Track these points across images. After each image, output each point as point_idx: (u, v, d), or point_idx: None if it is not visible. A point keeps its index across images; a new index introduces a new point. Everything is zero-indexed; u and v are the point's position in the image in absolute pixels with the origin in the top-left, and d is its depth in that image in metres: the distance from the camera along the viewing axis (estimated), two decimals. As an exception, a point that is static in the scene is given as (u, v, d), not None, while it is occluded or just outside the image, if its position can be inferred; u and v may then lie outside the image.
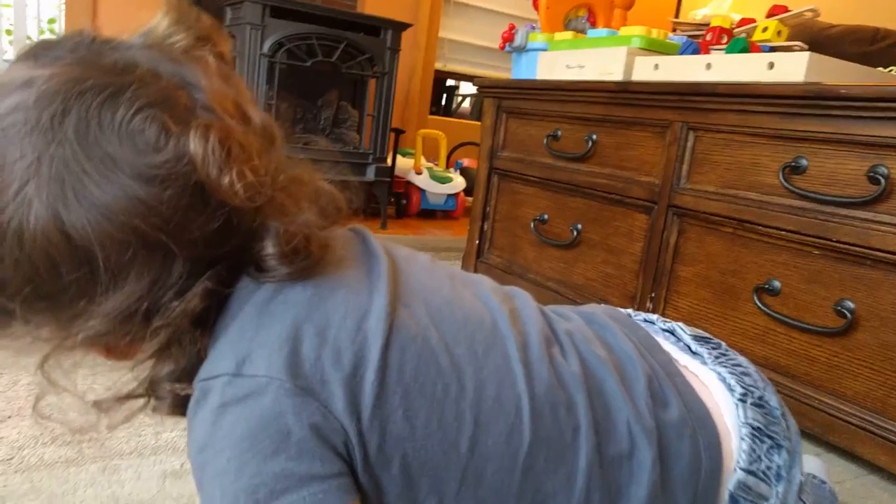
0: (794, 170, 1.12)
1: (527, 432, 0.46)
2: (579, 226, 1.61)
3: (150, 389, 0.47)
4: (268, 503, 0.38)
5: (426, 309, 0.47)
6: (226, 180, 0.39)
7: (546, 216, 1.72)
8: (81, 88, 0.39)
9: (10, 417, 0.93)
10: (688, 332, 0.63)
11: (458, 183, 3.27)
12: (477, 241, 1.98)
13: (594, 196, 1.57)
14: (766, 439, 0.54)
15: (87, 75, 0.40)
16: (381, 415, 0.42)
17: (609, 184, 1.51)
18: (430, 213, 3.31)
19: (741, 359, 0.61)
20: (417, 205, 3.20)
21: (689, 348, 0.63)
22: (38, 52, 0.42)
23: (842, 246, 1.05)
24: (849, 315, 1.04)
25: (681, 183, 1.33)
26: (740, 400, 0.55)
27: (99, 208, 0.38)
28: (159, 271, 0.41)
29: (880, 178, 1.00)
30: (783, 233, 1.13)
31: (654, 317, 0.66)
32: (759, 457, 0.53)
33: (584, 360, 0.53)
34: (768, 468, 0.53)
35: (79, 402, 0.48)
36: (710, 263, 1.28)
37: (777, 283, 1.15)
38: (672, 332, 0.64)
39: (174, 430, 0.96)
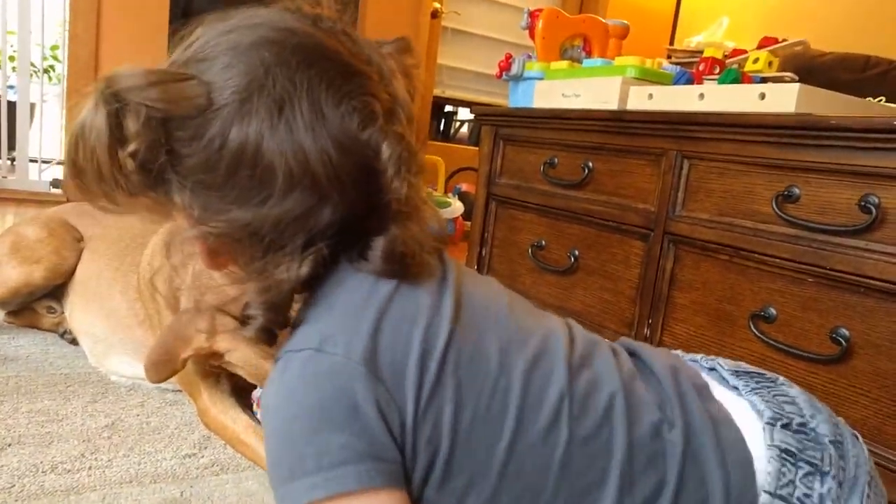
0: (787, 198, 1.14)
1: (564, 430, 0.48)
2: (577, 252, 1.62)
3: (244, 311, 0.51)
4: (329, 469, 0.43)
5: (485, 315, 0.52)
6: (396, 181, 0.48)
7: (544, 242, 1.74)
8: (330, 56, 0.47)
9: (10, 445, 0.93)
10: (727, 367, 0.62)
11: (457, 208, 3.29)
12: (475, 267, 1.99)
13: (591, 223, 1.58)
14: (801, 464, 0.51)
15: (337, 49, 0.48)
16: (436, 405, 0.46)
17: (605, 211, 1.53)
18: (428, 238, 3.32)
19: (794, 390, 0.59)
20: (416, 229, 3.22)
21: (727, 381, 0.61)
22: (304, 12, 0.49)
23: (836, 274, 1.06)
24: (844, 343, 1.05)
25: (676, 210, 1.35)
26: (769, 423, 0.54)
27: (295, 144, 0.45)
28: (302, 214, 0.46)
29: (871, 207, 1.02)
30: (778, 260, 1.14)
31: (698, 356, 0.66)
32: (792, 482, 0.51)
33: (619, 359, 0.56)
34: (806, 495, 0.50)
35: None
36: (706, 290, 1.29)
37: (773, 311, 1.16)
38: (713, 369, 0.64)
39: (174, 458, 0.96)
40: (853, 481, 0.52)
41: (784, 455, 0.52)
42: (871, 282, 1.02)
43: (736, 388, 0.60)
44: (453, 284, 0.52)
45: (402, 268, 0.49)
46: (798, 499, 0.51)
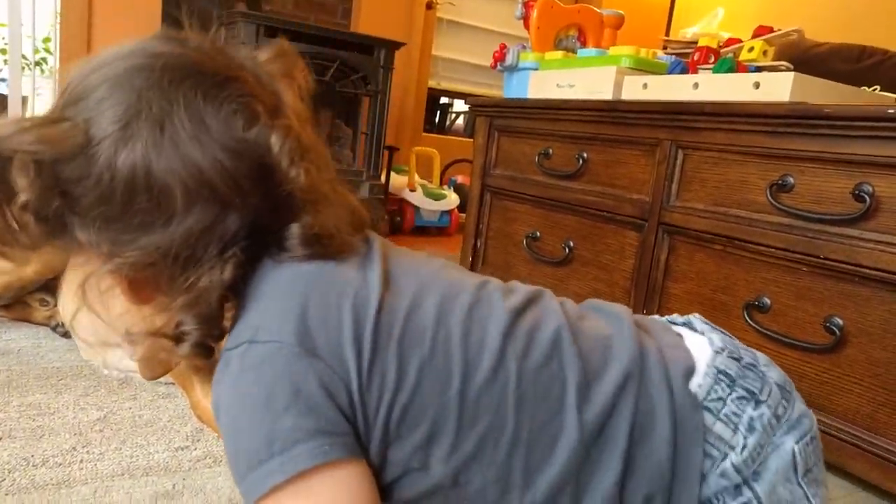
0: (781, 188, 1.13)
1: (512, 366, 0.50)
2: (571, 243, 1.62)
3: (177, 329, 0.50)
4: (282, 453, 0.44)
5: (415, 279, 0.53)
6: (293, 171, 0.48)
7: (538, 233, 1.73)
8: (201, 69, 0.48)
9: (0, 439, 0.93)
10: (700, 319, 0.65)
11: (452, 200, 3.29)
12: (470, 258, 1.99)
13: (585, 213, 1.58)
14: (738, 389, 0.54)
15: (207, 62, 0.49)
16: (379, 370, 0.47)
17: (600, 201, 1.52)
18: (423, 230, 3.32)
19: (758, 354, 0.60)
20: (411, 222, 3.21)
21: (695, 328, 0.64)
22: (169, 37, 0.51)
23: (830, 263, 1.06)
24: (837, 331, 1.05)
25: (670, 200, 1.34)
26: (716, 352, 0.56)
27: (184, 158, 0.46)
28: (210, 225, 0.47)
29: (865, 195, 1.01)
30: (772, 250, 1.14)
31: (674, 315, 0.68)
32: (722, 399, 0.53)
33: (564, 305, 0.59)
34: (735, 414, 0.52)
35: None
36: (700, 280, 1.29)
37: (767, 300, 1.16)
38: (686, 323, 0.66)
39: (166, 451, 0.95)
40: (795, 423, 0.54)
41: (720, 375, 0.54)
42: (865, 270, 1.02)
43: (702, 332, 0.62)
44: (379, 257, 0.53)
45: (322, 248, 0.50)
46: (725, 415, 0.53)
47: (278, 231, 0.50)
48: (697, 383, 0.54)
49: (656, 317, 0.68)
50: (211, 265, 0.47)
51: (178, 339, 0.50)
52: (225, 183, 0.46)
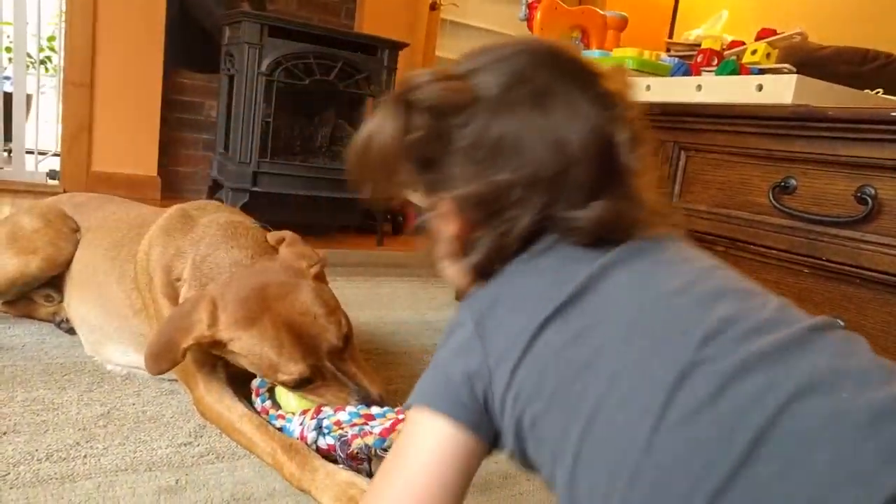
0: (783, 190, 1.14)
1: (643, 444, 0.43)
2: (573, 244, 1.62)
3: (475, 241, 0.57)
4: (419, 389, 0.56)
5: (614, 311, 0.50)
6: (631, 160, 0.54)
7: (541, 234, 1.74)
8: (573, 63, 0.58)
9: (5, 434, 0.93)
10: None
11: (454, 200, 3.29)
12: (472, 259, 1.99)
13: (588, 214, 1.58)
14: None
15: (576, 59, 0.59)
16: (520, 375, 0.50)
17: (603, 202, 1.52)
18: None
19: None
20: (414, 222, 3.21)
21: None
22: (544, 39, 0.61)
23: (831, 265, 1.06)
24: (839, 333, 1.05)
25: (673, 202, 1.35)
26: None
27: (553, 125, 0.54)
28: (549, 178, 0.54)
29: (868, 198, 1.02)
30: (773, 252, 1.15)
31: None
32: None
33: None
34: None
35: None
36: (702, 281, 1.29)
37: (768, 302, 1.16)
38: None
39: (169, 447, 0.96)
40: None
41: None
42: (867, 273, 1.02)
43: None
44: (603, 266, 0.53)
45: (605, 233, 0.54)
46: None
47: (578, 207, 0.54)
48: None
49: None
50: (520, 217, 0.54)
51: (467, 248, 0.57)
52: (575, 150, 0.53)
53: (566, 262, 0.54)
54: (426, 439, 0.53)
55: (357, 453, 0.90)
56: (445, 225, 0.59)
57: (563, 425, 0.47)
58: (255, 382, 1.04)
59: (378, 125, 0.58)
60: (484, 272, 0.57)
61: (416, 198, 0.63)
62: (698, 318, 0.47)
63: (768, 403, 0.41)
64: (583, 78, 0.57)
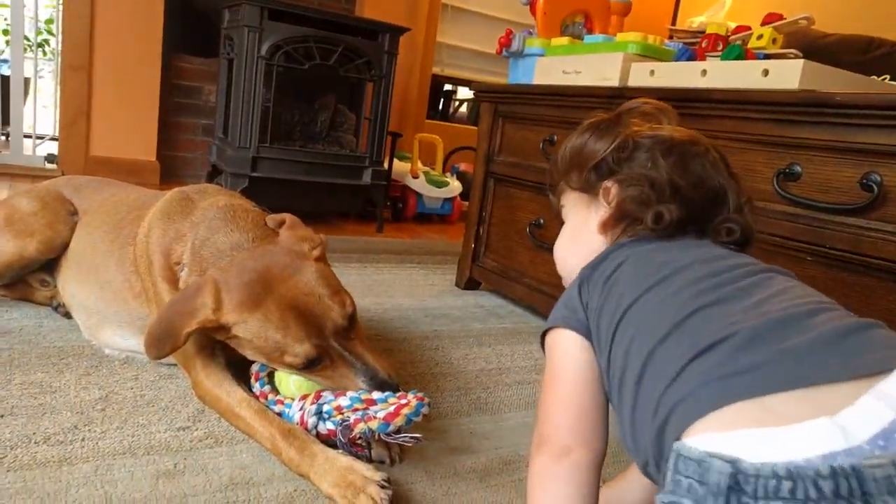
0: (788, 176, 1.13)
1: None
2: (575, 230, 1.61)
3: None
4: (563, 301, 0.74)
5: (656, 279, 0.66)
6: (734, 211, 0.73)
7: (542, 220, 1.73)
8: (700, 149, 0.75)
9: (2, 416, 0.93)
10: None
11: (455, 187, 3.28)
12: (473, 245, 1.98)
13: (590, 201, 1.57)
14: None
15: (696, 140, 0.76)
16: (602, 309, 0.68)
17: (605, 189, 1.51)
18: (426, 217, 3.31)
19: None
20: (414, 209, 3.20)
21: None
22: (680, 129, 0.78)
23: (835, 253, 1.05)
24: (842, 321, 1.04)
25: (676, 188, 1.34)
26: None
27: (683, 173, 0.72)
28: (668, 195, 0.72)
29: (873, 185, 1.00)
30: (778, 239, 1.14)
31: None
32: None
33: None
34: None
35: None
36: (704, 269, 1.28)
37: (771, 289, 1.15)
38: None
39: (168, 431, 0.95)
40: None
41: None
42: (871, 260, 1.01)
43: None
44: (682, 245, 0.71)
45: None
46: None
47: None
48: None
49: None
50: (662, 213, 0.71)
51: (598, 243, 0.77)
52: (687, 190, 0.72)
53: (656, 248, 0.71)
54: (565, 348, 0.70)
55: (358, 438, 0.89)
56: (591, 213, 0.78)
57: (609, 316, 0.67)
58: (254, 367, 1.03)
59: (594, 140, 0.78)
60: (605, 253, 0.73)
61: (567, 192, 0.82)
62: (728, 277, 0.63)
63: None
64: (699, 154, 0.74)
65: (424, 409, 0.89)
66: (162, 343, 0.94)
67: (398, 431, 0.87)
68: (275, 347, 0.92)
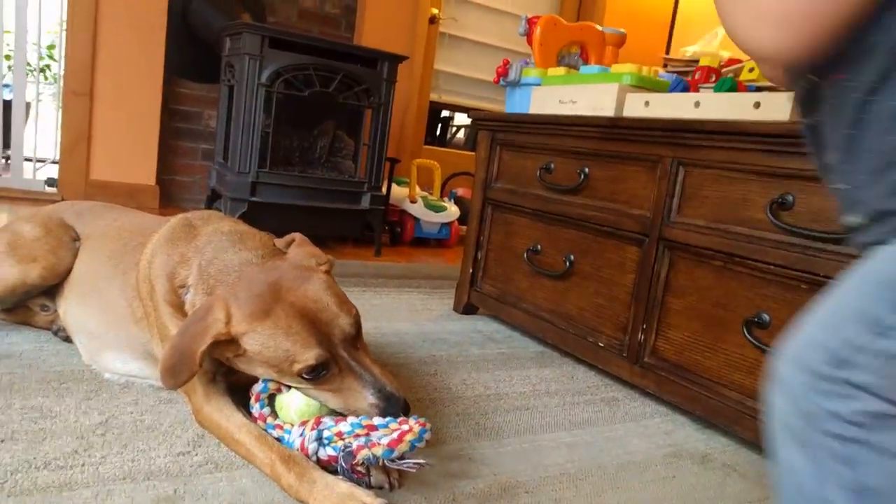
0: (781, 206, 1.15)
1: None
2: (572, 257, 1.63)
3: None
4: None
5: None
6: None
7: (539, 246, 1.74)
8: None
9: (2, 441, 0.93)
10: None
11: (452, 212, 3.30)
12: (471, 271, 2.00)
13: (586, 228, 1.59)
14: None
15: None
16: None
17: (601, 216, 1.54)
18: (423, 242, 3.33)
19: None
20: (411, 233, 3.23)
21: None
22: None
23: (829, 281, 1.07)
24: (835, 348, 1.06)
25: (671, 216, 1.36)
26: None
27: None
28: None
29: (864, 214, 1.03)
30: (771, 267, 1.16)
31: None
32: None
33: None
34: None
35: None
36: (700, 295, 1.30)
37: (766, 316, 1.17)
38: None
39: (167, 456, 0.96)
40: None
41: None
42: (864, 288, 1.03)
43: None
44: None
45: None
46: None
47: None
48: None
49: None
50: None
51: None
52: None
53: None
54: None
55: (360, 464, 0.90)
56: None
57: None
58: (255, 387, 1.03)
59: None
60: None
61: None
62: None
63: None
64: None
65: (427, 435, 0.90)
66: (178, 370, 0.94)
67: (402, 457, 0.88)
68: (284, 357, 0.93)
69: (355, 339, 0.97)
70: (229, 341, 0.95)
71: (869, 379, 0.53)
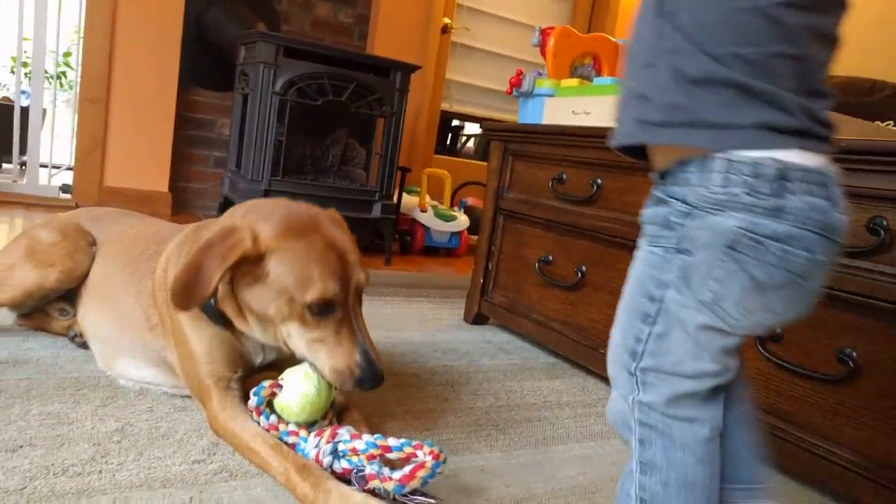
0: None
1: None
2: (584, 268, 1.63)
3: None
4: None
5: None
6: None
7: (551, 257, 1.75)
8: None
9: (21, 447, 0.94)
10: None
11: (462, 221, 3.31)
12: (482, 280, 2.00)
13: (598, 238, 1.59)
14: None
15: None
16: None
17: (614, 227, 1.54)
18: (433, 251, 3.34)
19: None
20: (422, 242, 3.23)
21: None
22: None
23: (844, 295, 1.07)
24: (850, 363, 1.06)
25: (684, 228, 1.36)
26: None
27: None
28: None
29: (880, 229, 1.03)
30: None
31: None
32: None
33: None
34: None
35: None
36: (713, 308, 1.29)
37: (779, 330, 1.17)
38: None
39: (183, 464, 0.96)
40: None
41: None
42: (879, 303, 1.03)
43: None
44: None
45: None
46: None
47: None
48: None
49: None
50: None
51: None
52: None
53: None
54: None
55: (373, 490, 0.90)
56: None
57: None
58: (251, 403, 1.03)
59: None
60: None
61: None
62: None
63: None
64: None
65: (440, 469, 0.90)
66: (192, 289, 0.93)
67: (413, 492, 0.88)
68: (305, 281, 0.94)
69: (357, 300, 1.02)
70: (253, 262, 0.95)
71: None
